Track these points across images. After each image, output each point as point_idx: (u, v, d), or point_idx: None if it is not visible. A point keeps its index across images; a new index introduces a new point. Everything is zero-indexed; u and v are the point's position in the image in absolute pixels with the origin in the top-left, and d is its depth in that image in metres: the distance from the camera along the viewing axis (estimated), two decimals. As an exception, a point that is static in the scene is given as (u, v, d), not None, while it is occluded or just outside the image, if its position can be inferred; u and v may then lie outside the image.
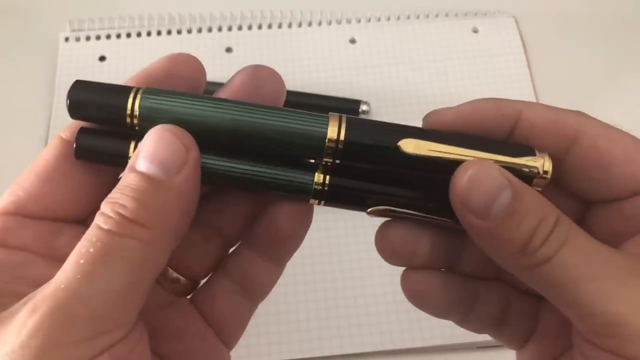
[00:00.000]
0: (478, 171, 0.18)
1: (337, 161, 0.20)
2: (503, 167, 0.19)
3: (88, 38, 0.47)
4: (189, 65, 0.22)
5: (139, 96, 0.19)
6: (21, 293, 0.17)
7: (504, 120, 0.20)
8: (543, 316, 0.23)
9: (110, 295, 0.16)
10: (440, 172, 0.20)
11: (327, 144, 0.19)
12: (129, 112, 0.19)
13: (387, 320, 0.36)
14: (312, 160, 0.21)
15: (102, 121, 0.20)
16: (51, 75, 0.45)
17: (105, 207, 0.18)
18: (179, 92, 0.20)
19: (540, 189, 0.20)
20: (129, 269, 0.17)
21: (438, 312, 0.23)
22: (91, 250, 0.17)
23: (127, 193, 0.18)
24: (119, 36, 0.47)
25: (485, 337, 0.35)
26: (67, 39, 0.47)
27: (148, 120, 0.19)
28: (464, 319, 0.23)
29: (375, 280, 0.37)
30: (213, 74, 0.44)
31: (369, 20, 0.48)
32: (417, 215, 0.21)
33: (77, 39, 0.47)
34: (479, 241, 0.19)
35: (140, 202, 0.17)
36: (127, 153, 0.20)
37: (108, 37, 0.47)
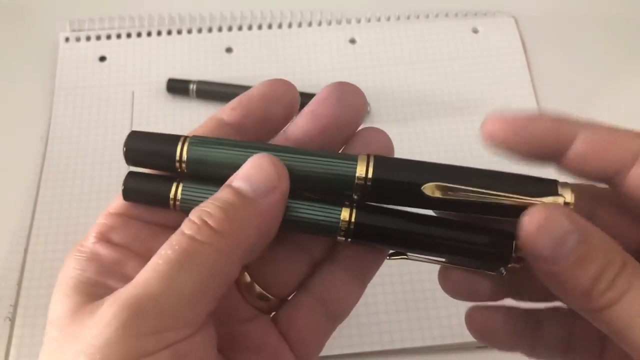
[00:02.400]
0: (545, 217, 0.19)
1: (365, 198, 0.21)
2: (526, 205, 0.19)
3: (88, 38, 0.47)
4: (283, 89, 0.23)
5: (186, 145, 0.21)
6: (112, 287, 0.19)
7: (559, 139, 0.20)
8: (609, 342, 0.23)
9: (179, 296, 0.18)
10: (464, 211, 0.20)
11: (356, 181, 0.21)
12: (177, 159, 0.21)
13: (387, 320, 0.36)
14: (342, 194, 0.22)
15: (155, 167, 0.22)
16: (51, 75, 0.45)
17: (193, 213, 0.19)
18: (222, 139, 0.22)
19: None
20: (200, 274, 0.18)
21: (504, 346, 0.24)
22: (169, 252, 0.18)
23: (216, 203, 0.20)
24: (119, 36, 0.47)
25: (485, 337, 0.35)
26: (67, 39, 0.47)
27: (195, 165, 0.21)
28: (532, 351, 0.24)
29: (376, 280, 0.37)
30: (213, 74, 0.45)
31: (369, 20, 0.48)
32: (435, 261, 0.22)
33: (77, 39, 0.47)
34: (546, 282, 0.20)
35: (225, 212, 0.19)
36: (169, 194, 0.21)
37: (108, 37, 0.47)
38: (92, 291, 0.20)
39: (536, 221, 0.19)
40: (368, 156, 0.21)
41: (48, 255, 0.38)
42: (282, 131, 0.23)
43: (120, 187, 0.22)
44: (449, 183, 0.20)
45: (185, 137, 0.22)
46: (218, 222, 0.19)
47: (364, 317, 0.36)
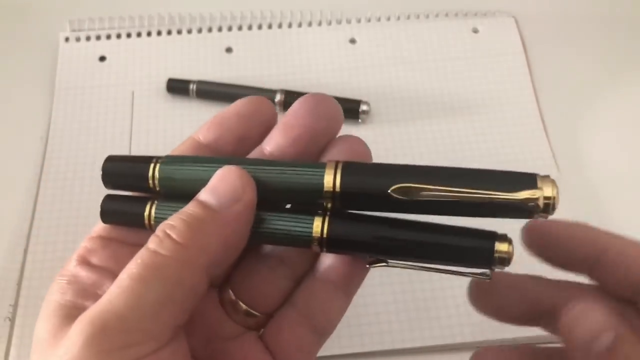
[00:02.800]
0: (582, 313, 0.19)
1: (338, 204, 0.21)
2: (502, 201, 0.19)
3: (88, 38, 0.47)
4: (260, 107, 0.23)
5: (158, 165, 0.22)
6: (90, 307, 0.19)
7: (588, 249, 0.21)
8: None
9: (142, 309, 0.18)
10: (442, 213, 0.20)
11: (324, 188, 0.20)
12: (150, 178, 0.22)
13: (387, 320, 0.36)
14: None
15: (132, 189, 0.23)
16: (51, 75, 0.45)
17: (158, 228, 0.20)
18: (193, 157, 0.22)
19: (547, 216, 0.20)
20: (163, 287, 0.19)
21: None
22: (133, 267, 0.19)
23: (180, 217, 0.20)
24: (119, 36, 0.47)
25: (485, 337, 0.35)
26: (67, 39, 0.47)
27: (167, 183, 0.22)
28: None
29: (376, 280, 0.37)
30: (213, 74, 0.45)
31: (369, 20, 0.48)
32: (416, 267, 0.21)
33: (77, 39, 0.47)
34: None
35: (188, 224, 0.20)
36: (144, 213, 0.22)
37: (108, 37, 0.47)
38: (71, 313, 0.20)
39: (574, 314, 0.20)
40: (336, 162, 0.21)
41: (48, 255, 0.38)
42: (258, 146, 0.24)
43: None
44: (418, 184, 0.19)
45: (158, 158, 0.22)
46: (180, 234, 0.19)
47: (364, 317, 0.36)
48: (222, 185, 0.21)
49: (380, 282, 0.37)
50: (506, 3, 0.49)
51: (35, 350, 0.20)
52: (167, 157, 0.22)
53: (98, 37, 0.47)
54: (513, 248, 0.20)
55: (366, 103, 0.43)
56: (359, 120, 0.43)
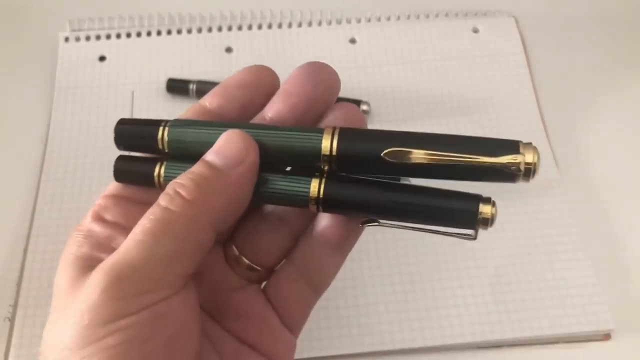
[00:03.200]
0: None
1: (335, 167, 0.22)
2: (486, 165, 0.20)
3: (88, 38, 0.47)
4: (263, 76, 0.24)
5: (167, 127, 0.23)
6: (104, 259, 0.21)
7: None
8: None
9: (155, 261, 0.20)
10: (427, 175, 0.21)
11: (322, 152, 0.22)
12: (159, 139, 0.23)
13: (387, 320, 0.36)
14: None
15: (142, 149, 0.25)
16: (51, 75, 0.45)
17: (169, 186, 0.22)
18: (200, 120, 0.24)
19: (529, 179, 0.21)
20: (174, 240, 0.20)
21: None
22: (146, 222, 0.21)
23: (189, 176, 0.22)
24: (119, 36, 0.47)
25: (485, 337, 0.35)
26: (67, 39, 0.47)
27: (176, 145, 0.23)
28: None
29: (375, 280, 0.37)
30: (213, 74, 0.45)
31: (369, 20, 0.48)
32: (405, 227, 0.22)
33: (77, 39, 0.47)
34: None
35: (196, 183, 0.21)
36: (154, 173, 0.23)
37: (108, 37, 0.47)
38: (88, 264, 0.22)
39: None
40: (334, 128, 0.22)
41: (48, 255, 0.38)
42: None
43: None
44: (408, 148, 0.21)
45: (167, 121, 0.24)
46: (189, 192, 0.21)
47: (364, 317, 0.36)
48: (227, 147, 0.22)
49: (381, 282, 0.37)
50: (506, 3, 0.49)
51: (54, 301, 0.22)
52: (176, 120, 0.24)
53: (98, 37, 0.47)
54: (496, 210, 0.21)
55: (366, 103, 0.43)
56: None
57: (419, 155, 0.21)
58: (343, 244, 0.25)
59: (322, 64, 0.24)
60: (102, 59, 0.46)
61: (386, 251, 0.38)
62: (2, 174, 0.42)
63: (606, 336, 0.36)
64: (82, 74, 0.45)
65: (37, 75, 0.46)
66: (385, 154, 0.21)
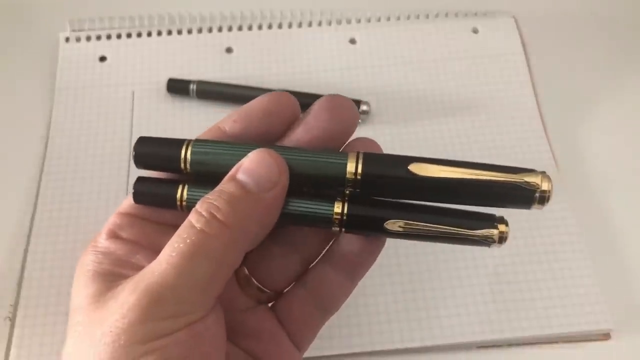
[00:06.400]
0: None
1: (358, 190, 0.23)
2: (505, 182, 0.21)
3: (88, 38, 0.47)
4: (285, 104, 0.24)
5: (190, 147, 0.23)
6: (126, 275, 0.22)
7: None
8: None
9: (193, 284, 0.20)
10: (448, 193, 0.22)
11: (347, 176, 0.22)
12: (182, 159, 0.23)
13: (387, 320, 0.36)
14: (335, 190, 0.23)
15: (162, 169, 0.24)
16: (51, 75, 0.45)
17: (201, 205, 0.21)
18: (222, 141, 0.23)
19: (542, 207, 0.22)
20: (210, 265, 0.21)
21: None
22: (182, 245, 0.20)
23: (222, 197, 0.21)
24: (119, 36, 0.47)
25: (485, 337, 0.35)
26: (67, 39, 0.47)
27: (199, 166, 0.23)
28: None
29: (375, 280, 0.37)
30: (213, 74, 0.45)
31: (369, 20, 0.48)
32: (432, 228, 0.23)
33: (77, 39, 0.47)
34: None
35: (232, 206, 0.21)
36: (176, 195, 0.23)
37: (108, 37, 0.47)
38: (110, 279, 0.22)
39: None
40: (357, 152, 0.23)
41: (48, 255, 0.38)
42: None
43: (130, 190, 0.24)
44: (433, 164, 0.22)
45: (190, 140, 0.23)
46: (226, 215, 0.21)
47: (364, 317, 0.36)
48: (259, 168, 0.22)
49: (381, 282, 0.37)
50: (506, 3, 0.49)
51: (76, 316, 0.22)
52: (198, 140, 0.24)
53: (98, 37, 0.47)
54: (509, 229, 0.23)
55: (366, 103, 0.43)
56: (359, 120, 0.43)
57: (445, 170, 0.22)
58: (355, 272, 0.26)
59: (343, 98, 0.24)
60: (102, 59, 0.46)
61: (386, 251, 0.38)
62: (2, 174, 0.42)
63: (605, 336, 0.36)
64: (83, 74, 0.45)
65: (37, 75, 0.46)
66: (411, 167, 0.22)
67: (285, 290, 0.26)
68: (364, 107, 0.42)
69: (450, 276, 0.37)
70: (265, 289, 0.26)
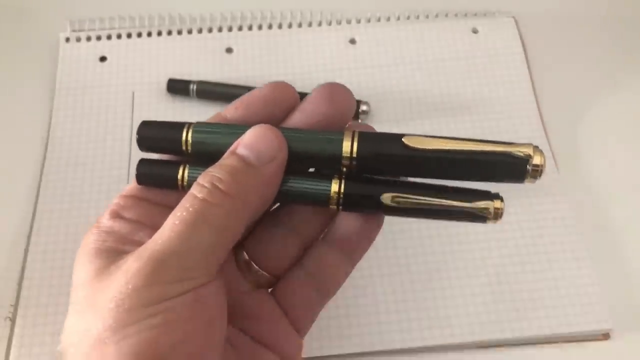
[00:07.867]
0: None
1: (355, 171, 0.23)
2: (497, 152, 0.22)
3: (88, 38, 0.47)
4: (284, 93, 0.25)
5: (191, 129, 0.24)
6: (130, 251, 0.22)
7: None
8: None
9: (196, 250, 0.21)
10: (442, 166, 0.22)
11: (343, 153, 0.23)
12: (184, 141, 0.24)
13: (387, 320, 0.36)
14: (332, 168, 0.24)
15: (164, 151, 0.25)
16: (51, 75, 0.45)
17: (203, 178, 0.22)
18: (222, 124, 0.24)
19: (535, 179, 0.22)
20: (212, 232, 0.21)
21: None
22: (185, 214, 0.21)
23: (224, 169, 0.22)
24: (119, 36, 0.47)
25: (485, 337, 0.35)
26: (67, 39, 0.47)
27: (200, 147, 0.24)
28: None
29: (375, 280, 0.37)
30: (213, 74, 0.45)
31: (369, 20, 0.48)
32: (427, 201, 0.23)
33: (78, 39, 0.47)
34: None
35: (233, 177, 0.22)
36: (177, 176, 0.24)
37: (108, 37, 0.47)
38: (113, 255, 0.22)
39: None
40: (353, 131, 0.23)
41: (48, 255, 0.38)
42: None
43: (133, 173, 0.25)
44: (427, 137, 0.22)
45: (191, 123, 0.24)
46: (227, 185, 0.22)
47: (364, 317, 0.36)
48: (260, 142, 0.22)
49: (381, 282, 0.37)
50: (506, 3, 0.49)
51: (78, 292, 0.22)
52: (200, 122, 0.24)
53: (98, 37, 0.47)
54: (504, 205, 0.23)
55: (366, 103, 0.43)
56: (359, 120, 0.43)
57: (437, 142, 0.22)
58: (354, 253, 0.26)
59: (340, 85, 0.25)
60: (102, 59, 0.46)
61: (386, 251, 0.38)
62: (3, 174, 0.42)
63: (605, 336, 0.36)
64: (83, 74, 0.45)
65: (37, 75, 0.46)
66: (405, 138, 0.22)
67: (284, 275, 0.27)
68: (363, 107, 0.42)
69: (450, 276, 0.37)
70: (264, 273, 0.26)
